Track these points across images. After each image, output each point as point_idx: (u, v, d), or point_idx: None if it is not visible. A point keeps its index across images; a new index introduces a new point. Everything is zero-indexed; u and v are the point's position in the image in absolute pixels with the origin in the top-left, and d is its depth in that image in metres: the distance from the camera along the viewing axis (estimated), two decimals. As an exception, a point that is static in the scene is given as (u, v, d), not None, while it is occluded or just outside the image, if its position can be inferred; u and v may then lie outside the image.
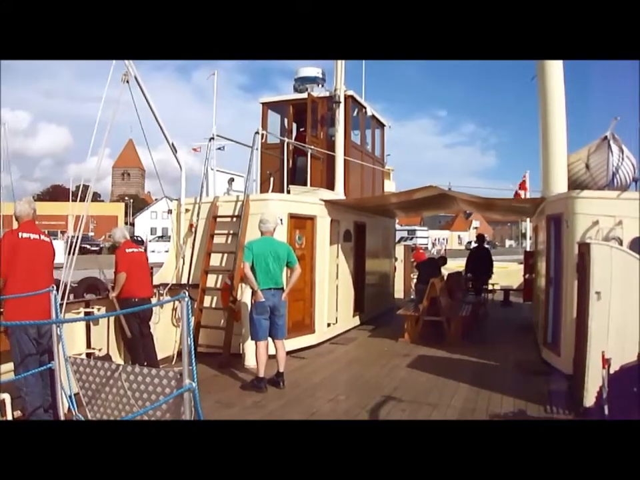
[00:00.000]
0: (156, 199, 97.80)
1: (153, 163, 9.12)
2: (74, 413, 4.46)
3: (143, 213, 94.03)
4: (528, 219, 19.50)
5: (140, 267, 7.66)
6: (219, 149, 10.05)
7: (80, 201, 7.28)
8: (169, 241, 10.84)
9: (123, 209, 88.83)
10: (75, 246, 6.54)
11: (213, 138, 9.71)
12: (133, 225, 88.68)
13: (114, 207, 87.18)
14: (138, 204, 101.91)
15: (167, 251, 7.41)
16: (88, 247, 41.46)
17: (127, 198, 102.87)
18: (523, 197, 16.97)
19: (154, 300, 8.57)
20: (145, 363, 7.00)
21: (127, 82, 7.58)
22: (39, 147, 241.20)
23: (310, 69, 12.78)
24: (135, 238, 53.01)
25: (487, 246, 14.15)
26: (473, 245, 15.95)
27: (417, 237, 51.33)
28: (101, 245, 47.42)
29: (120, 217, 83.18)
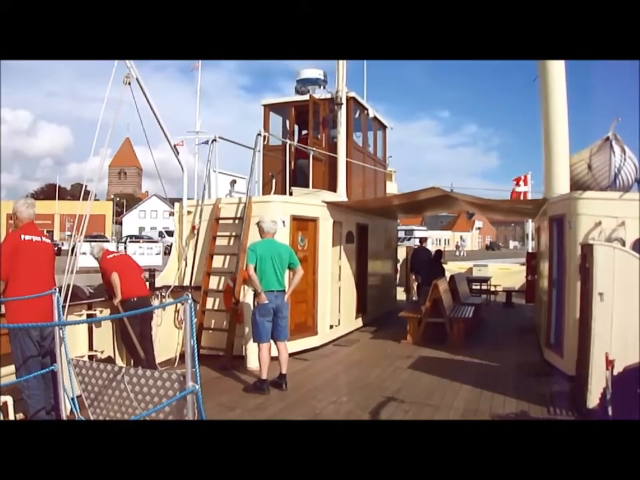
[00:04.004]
0: (147, 198, 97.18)
1: (154, 163, 9.10)
2: (76, 416, 4.45)
3: (131, 212, 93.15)
4: (530, 220, 19.47)
5: (128, 268, 7.66)
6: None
7: (81, 200, 7.25)
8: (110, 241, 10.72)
9: (111, 207, 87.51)
10: (80, 248, 6.56)
11: (215, 140, 9.72)
12: (120, 224, 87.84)
13: (102, 206, 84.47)
14: (135, 203, 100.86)
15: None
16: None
17: (113, 196, 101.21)
18: (521, 193, 17.13)
19: (156, 301, 8.57)
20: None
21: (129, 84, 7.58)
22: (40, 147, 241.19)
23: (311, 70, 12.77)
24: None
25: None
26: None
27: (414, 238, 50.99)
28: (60, 246, 43.52)
29: (108, 215, 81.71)
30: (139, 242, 26.93)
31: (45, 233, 5.88)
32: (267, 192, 10.92)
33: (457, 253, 58.27)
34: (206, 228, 9.64)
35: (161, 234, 54.03)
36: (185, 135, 10.11)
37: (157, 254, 17.62)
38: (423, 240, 16.13)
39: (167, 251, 43.71)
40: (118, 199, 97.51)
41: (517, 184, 18.07)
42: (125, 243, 25.37)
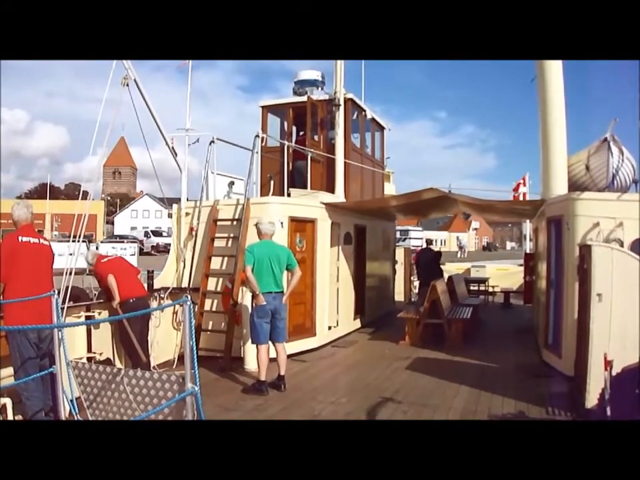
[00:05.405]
0: (139, 197, 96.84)
1: (152, 164, 9.10)
2: (75, 417, 4.44)
3: (123, 212, 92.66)
4: (528, 221, 19.49)
5: (123, 270, 7.65)
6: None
7: (80, 200, 7.25)
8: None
9: (103, 207, 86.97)
10: (79, 248, 6.56)
11: (213, 141, 9.70)
12: (112, 223, 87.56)
13: (94, 206, 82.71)
14: (129, 203, 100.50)
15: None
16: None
17: (104, 195, 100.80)
18: (519, 194, 17.22)
19: (154, 303, 8.56)
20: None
21: (127, 85, 7.58)
22: (37, 147, 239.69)
23: (309, 72, 12.78)
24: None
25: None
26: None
27: (410, 238, 50.72)
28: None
29: (99, 215, 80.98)
30: (112, 242, 26.79)
31: (37, 232, 5.87)
32: (265, 193, 10.91)
33: (459, 255, 57.93)
34: (204, 229, 9.63)
35: (146, 234, 53.80)
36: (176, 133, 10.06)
37: (132, 255, 17.64)
38: (429, 241, 16.28)
39: (152, 251, 43.49)
40: (110, 198, 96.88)
41: (516, 189, 18.09)
42: (97, 244, 25.10)
